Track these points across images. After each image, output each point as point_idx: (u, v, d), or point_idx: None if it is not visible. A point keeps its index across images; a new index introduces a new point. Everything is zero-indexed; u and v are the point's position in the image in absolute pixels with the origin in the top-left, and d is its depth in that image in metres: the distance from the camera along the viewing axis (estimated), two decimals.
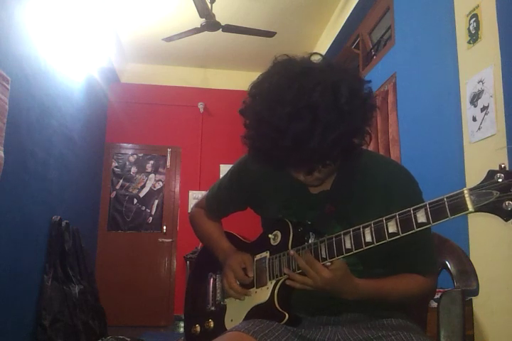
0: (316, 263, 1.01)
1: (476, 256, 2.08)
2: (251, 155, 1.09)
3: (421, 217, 0.89)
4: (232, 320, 1.22)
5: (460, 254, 1.28)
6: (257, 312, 1.15)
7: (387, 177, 1.14)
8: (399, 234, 0.92)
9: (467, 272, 1.22)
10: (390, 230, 0.93)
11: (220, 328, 1.21)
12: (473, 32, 2.40)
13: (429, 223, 0.88)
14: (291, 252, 1.07)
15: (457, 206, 0.84)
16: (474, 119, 2.34)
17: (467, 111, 2.42)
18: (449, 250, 1.29)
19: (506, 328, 2.08)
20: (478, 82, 2.32)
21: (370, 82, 1.02)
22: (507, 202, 0.80)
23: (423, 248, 1.13)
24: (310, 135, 0.92)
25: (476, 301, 2.21)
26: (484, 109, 2.27)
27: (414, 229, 0.90)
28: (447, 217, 0.86)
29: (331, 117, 0.92)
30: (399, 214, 0.93)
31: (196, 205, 1.48)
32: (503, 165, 0.83)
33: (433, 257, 1.18)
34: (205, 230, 1.41)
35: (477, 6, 2.37)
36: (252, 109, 1.00)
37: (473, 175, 2.33)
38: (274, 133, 0.94)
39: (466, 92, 2.44)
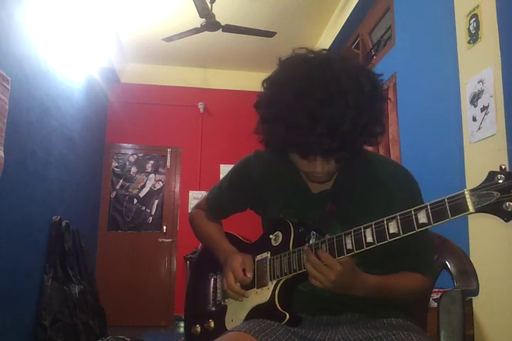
0: (330, 259, 1.00)
1: (476, 256, 2.08)
2: (271, 148, 1.08)
3: (422, 218, 0.89)
4: (232, 320, 1.22)
5: (460, 254, 1.28)
6: (257, 313, 1.15)
7: (388, 176, 1.15)
8: (400, 235, 0.93)
9: (467, 272, 1.22)
10: (391, 231, 0.93)
11: (221, 328, 1.21)
12: (473, 32, 2.40)
13: (430, 224, 0.89)
14: (306, 248, 1.06)
15: (458, 207, 0.84)
16: (474, 119, 2.35)
17: (467, 111, 2.42)
18: (449, 250, 1.29)
19: (506, 328, 2.08)
20: (478, 82, 2.32)
21: (382, 75, 1.06)
22: (507, 203, 0.80)
23: (423, 248, 1.14)
24: (342, 120, 0.94)
25: (476, 301, 2.21)
26: (484, 109, 2.27)
27: (415, 229, 0.91)
28: (448, 217, 0.86)
29: (359, 103, 0.95)
30: (400, 215, 0.93)
31: (196, 206, 1.48)
32: (503, 167, 0.83)
33: (432, 258, 1.19)
34: (205, 231, 1.40)
35: (477, 6, 2.37)
36: (278, 99, 0.99)
37: (473, 175, 2.33)
38: (308, 120, 0.94)
39: (466, 92, 2.44)
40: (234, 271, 1.20)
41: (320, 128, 0.94)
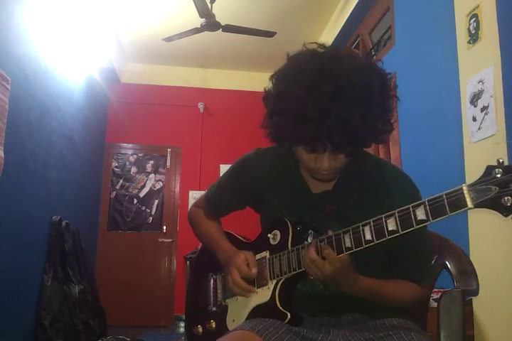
0: (333, 255, 1.00)
1: (476, 256, 2.08)
2: (278, 142, 1.07)
3: (420, 214, 0.88)
4: (233, 321, 1.22)
5: (460, 254, 1.27)
6: (258, 312, 1.15)
7: (388, 179, 1.15)
8: (398, 232, 0.92)
9: (467, 272, 1.22)
10: (390, 228, 0.93)
11: (222, 328, 1.21)
12: (473, 32, 2.40)
13: (429, 220, 0.88)
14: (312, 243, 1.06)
15: (456, 202, 0.84)
16: (474, 119, 2.34)
17: (467, 111, 2.42)
18: (449, 250, 1.29)
19: (506, 328, 2.08)
20: (478, 82, 2.32)
21: (390, 74, 1.06)
22: (506, 198, 0.79)
23: (421, 256, 1.13)
24: (352, 115, 0.94)
25: (476, 301, 2.21)
26: (484, 109, 2.27)
27: (413, 226, 0.90)
28: (447, 213, 0.85)
29: (369, 99, 0.95)
30: (398, 212, 0.92)
31: (195, 205, 1.47)
32: (501, 160, 0.82)
33: (430, 266, 1.18)
34: (204, 230, 1.40)
35: (477, 6, 2.37)
36: (288, 92, 0.99)
37: (474, 175, 2.29)
38: (318, 114, 0.94)
39: (466, 92, 2.43)
40: (238, 267, 1.19)
41: (330, 122, 0.94)
